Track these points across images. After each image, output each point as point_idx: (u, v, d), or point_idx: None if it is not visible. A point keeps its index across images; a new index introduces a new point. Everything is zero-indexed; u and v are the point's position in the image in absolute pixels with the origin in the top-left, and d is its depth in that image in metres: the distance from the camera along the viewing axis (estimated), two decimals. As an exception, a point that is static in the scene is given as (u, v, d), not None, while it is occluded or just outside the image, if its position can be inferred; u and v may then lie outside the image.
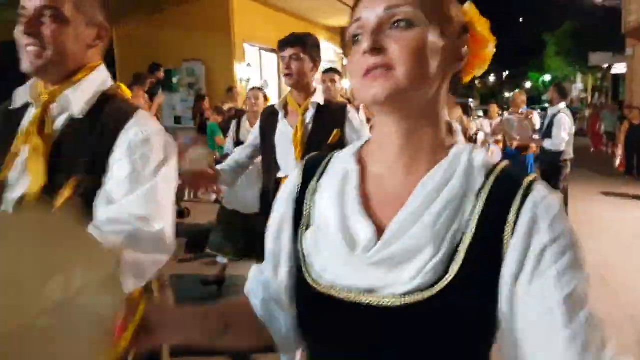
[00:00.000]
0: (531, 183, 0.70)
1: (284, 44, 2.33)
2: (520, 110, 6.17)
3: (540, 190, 0.70)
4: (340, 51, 15.28)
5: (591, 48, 24.37)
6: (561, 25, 29.54)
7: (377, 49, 0.67)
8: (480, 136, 9.16)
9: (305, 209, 0.81)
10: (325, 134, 2.31)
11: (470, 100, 56.26)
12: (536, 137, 5.53)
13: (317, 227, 0.77)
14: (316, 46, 2.38)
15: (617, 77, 26.05)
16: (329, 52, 14.83)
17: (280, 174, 2.40)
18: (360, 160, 0.79)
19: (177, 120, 8.70)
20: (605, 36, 22.58)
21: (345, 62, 15.50)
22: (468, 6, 0.80)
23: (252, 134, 2.74)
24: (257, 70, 10.39)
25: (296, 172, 0.86)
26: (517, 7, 72.04)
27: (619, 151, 10.16)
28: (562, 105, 5.26)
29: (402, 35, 0.68)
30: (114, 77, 6.73)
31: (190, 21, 9.14)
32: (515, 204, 0.68)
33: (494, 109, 8.54)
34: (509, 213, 0.67)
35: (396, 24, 0.68)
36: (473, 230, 0.67)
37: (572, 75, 31.79)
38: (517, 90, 7.05)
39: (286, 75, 2.33)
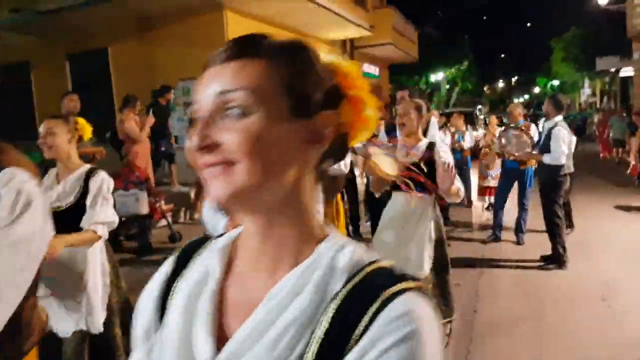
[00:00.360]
0: (392, 296, 0.55)
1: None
2: (518, 123, 6.00)
3: (400, 306, 0.54)
4: (341, 64, 15.21)
5: (598, 53, 24.11)
6: (567, 31, 29.37)
7: (208, 146, 0.57)
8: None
9: (166, 310, 0.68)
10: None
11: (479, 107, 55.46)
12: (534, 152, 5.35)
13: (161, 341, 0.65)
14: None
15: (625, 80, 25.69)
16: (330, 66, 14.74)
17: None
18: (231, 253, 0.68)
19: (175, 139, 8.62)
20: (611, 40, 22.38)
21: (346, 75, 15.40)
22: (340, 61, 0.66)
23: None
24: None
25: (170, 260, 0.73)
26: (526, 13, 72.09)
27: (632, 159, 9.91)
28: (559, 118, 5.09)
29: (236, 126, 0.57)
30: (111, 97, 8.42)
31: (185, 39, 9.11)
32: (363, 322, 0.54)
33: (493, 120, 8.32)
34: (353, 333, 0.54)
35: (230, 112, 0.57)
36: (314, 354, 0.54)
37: (579, 80, 31.47)
38: (514, 102, 6.85)
39: None
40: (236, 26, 9.19)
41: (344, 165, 3.53)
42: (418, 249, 3.16)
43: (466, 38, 33.05)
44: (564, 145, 4.93)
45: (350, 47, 16.65)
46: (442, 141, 6.34)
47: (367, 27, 13.95)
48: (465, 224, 7.64)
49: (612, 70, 26.47)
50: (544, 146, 5.09)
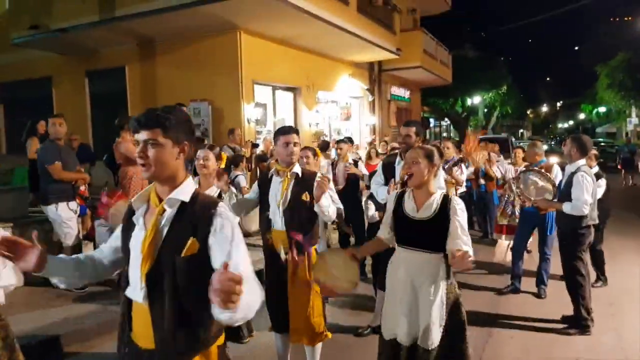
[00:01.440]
0: None
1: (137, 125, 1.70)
2: (537, 163, 5.35)
3: None
4: (367, 87, 14.76)
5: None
6: (615, 56, 28.01)
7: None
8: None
9: None
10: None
11: (521, 131, 53.35)
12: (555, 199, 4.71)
13: None
14: (182, 123, 1.75)
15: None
16: (355, 88, 14.35)
17: None
18: None
19: (183, 162, 8.35)
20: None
21: (370, 98, 14.96)
22: None
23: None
24: (270, 110, 10.02)
25: None
26: (572, 38, 69.91)
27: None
28: (582, 162, 4.45)
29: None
30: (127, 115, 7.08)
31: (199, 60, 8.93)
32: None
33: (519, 154, 7.63)
34: None
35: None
36: None
37: (626, 108, 29.86)
38: (533, 140, 6.15)
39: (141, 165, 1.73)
40: (251, 47, 8.93)
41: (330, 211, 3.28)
42: (426, 318, 2.72)
43: (504, 60, 31.93)
44: (587, 194, 4.28)
45: (378, 70, 16.24)
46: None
47: (394, 50, 13.49)
48: (483, 265, 6.97)
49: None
50: (565, 193, 4.45)
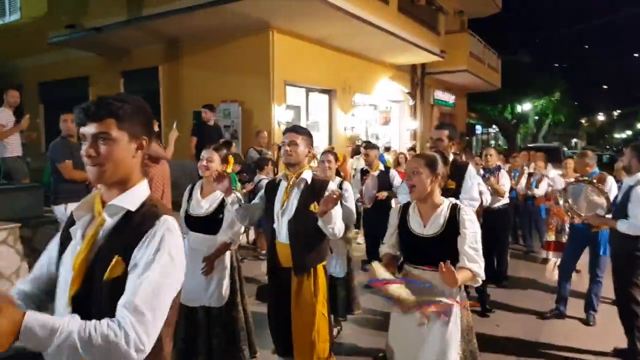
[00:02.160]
0: None
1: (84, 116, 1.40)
2: (589, 175, 4.73)
3: None
4: (407, 90, 14.20)
5: None
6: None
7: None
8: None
9: None
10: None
11: (574, 140, 50.95)
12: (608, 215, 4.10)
13: None
14: (138, 114, 1.45)
15: None
16: (395, 92, 13.85)
17: None
18: None
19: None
20: None
21: (411, 102, 14.39)
22: None
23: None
24: (304, 112, 9.71)
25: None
26: (632, 41, 66.31)
27: None
28: (643, 174, 3.84)
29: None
30: (158, 115, 8.25)
31: (230, 60, 8.72)
32: None
33: (570, 165, 6.94)
34: None
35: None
36: None
37: (693, 117, 27.73)
38: (582, 151, 5.37)
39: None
40: (283, 48, 8.64)
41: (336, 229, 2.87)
42: (437, 346, 2.38)
43: (557, 66, 30.47)
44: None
45: (421, 73, 15.65)
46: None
47: (438, 53, 12.90)
48: (527, 283, 6.35)
49: None
50: (621, 209, 3.84)
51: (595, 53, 61.55)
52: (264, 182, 6.71)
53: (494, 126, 33.44)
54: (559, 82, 30.04)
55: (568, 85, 32.44)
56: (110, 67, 10.46)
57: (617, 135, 68.42)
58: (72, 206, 4.70)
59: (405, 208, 2.58)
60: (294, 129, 3.08)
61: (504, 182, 6.13)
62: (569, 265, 5.09)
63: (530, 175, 8.29)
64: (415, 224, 2.48)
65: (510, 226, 7.36)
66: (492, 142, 35.85)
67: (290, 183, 2.99)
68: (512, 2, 27.44)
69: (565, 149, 22.24)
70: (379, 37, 10.03)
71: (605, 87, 61.85)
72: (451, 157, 3.76)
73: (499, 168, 6.38)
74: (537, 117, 33.47)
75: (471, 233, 2.37)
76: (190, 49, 9.28)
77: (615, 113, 65.63)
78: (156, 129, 6.15)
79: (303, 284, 2.94)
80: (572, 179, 4.81)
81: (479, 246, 2.38)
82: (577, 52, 55.53)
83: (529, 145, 22.18)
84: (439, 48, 13.03)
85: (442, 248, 2.38)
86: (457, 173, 3.80)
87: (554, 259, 7.16)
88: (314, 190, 2.94)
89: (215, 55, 8.90)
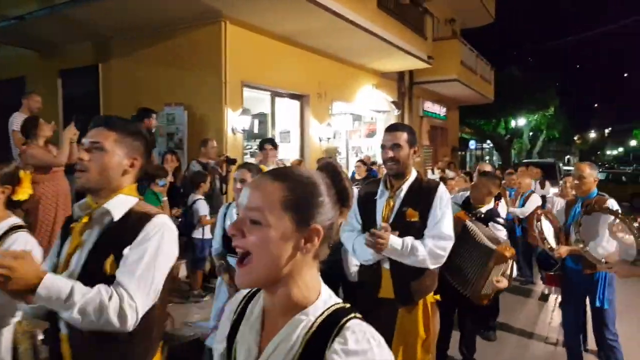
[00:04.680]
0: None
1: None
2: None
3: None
4: (392, 99, 12.91)
5: None
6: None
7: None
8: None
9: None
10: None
11: (568, 157, 50.56)
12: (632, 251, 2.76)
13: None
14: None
15: None
16: (381, 101, 12.57)
17: None
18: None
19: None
20: None
21: (396, 112, 13.12)
22: None
23: None
24: (269, 119, 8.36)
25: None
26: (623, 61, 66.29)
27: None
28: None
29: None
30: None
31: (175, 57, 7.39)
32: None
33: (569, 183, 5.77)
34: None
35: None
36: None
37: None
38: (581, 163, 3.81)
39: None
40: (239, 42, 7.30)
41: None
42: None
43: (552, 82, 29.60)
44: None
45: (409, 82, 14.42)
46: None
47: (425, 58, 11.67)
48: (521, 334, 5.03)
49: None
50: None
51: (588, 72, 61.27)
52: (200, 204, 5.40)
53: (488, 141, 32.42)
54: (553, 97, 29.09)
55: (562, 102, 31.60)
56: (47, 66, 9.09)
57: (609, 152, 68.35)
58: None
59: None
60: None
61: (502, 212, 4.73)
62: (573, 321, 3.72)
63: (517, 195, 7.12)
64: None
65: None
66: (487, 157, 34.83)
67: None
68: (507, 14, 26.53)
69: (561, 164, 21.08)
70: (357, 36, 8.77)
71: (596, 105, 61.73)
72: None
73: (499, 196, 5.02)
74: (531, 133, 32.48)
75: None
76: (131, 45, 7.93)
77: (607, 130, 65.46)
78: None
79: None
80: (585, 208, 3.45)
81: None
82: (570, 70, 55.22)
83: (523, 161, 21.03)
84: (426, 53, 11.81)
85: None
86: (422, 198, 2.49)
87: (555, 295, 5.92)
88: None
89: (159, 51, 7.56)
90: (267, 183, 0.97)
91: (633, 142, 52.25)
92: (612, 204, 3.38)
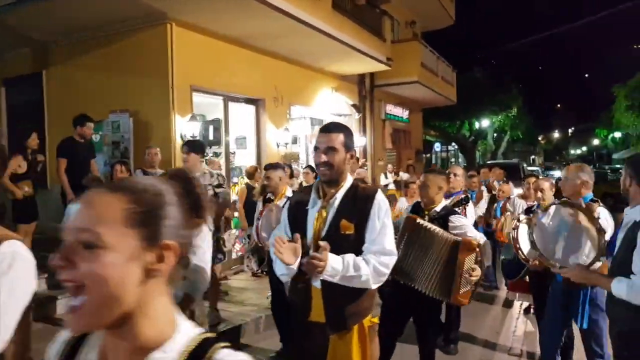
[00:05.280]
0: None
1: None
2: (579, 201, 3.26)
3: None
4: (352, 102, 12.81)
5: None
6: (632, 78, 25.98)
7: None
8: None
9: None
10: None
11: (532, 157, 51.61)
12: (598, 263, 2.64)
13: None
14: None
15: None
16: (341, 105, 12.46)
17: None
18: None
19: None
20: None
21: (356, 115, 13.04)
22: None
23: None
24: (222, 125, 8.10)
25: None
26: (586, 61, 68.53)
27: None
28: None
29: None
30: (42, 124, 7.82)
31: (120, 61, 7.06)
32: None
33: (532, 184, 5.62)
34: None
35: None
36: None
37: (647, 132, 27.61)
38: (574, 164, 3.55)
39: None
40: (187, 45, 7.02)
41: None
42: None
43: (514, 82, 30.20)
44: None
45: (370, 85, 14.36)
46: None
47: (384, 60, 11.62)
48: (485, 345, 4.89)
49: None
50: (621, 260, 2.41)
51: (550, 74, 63.13)
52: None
53: (453, 144, 32.76)
54: (516, 97, 29.67)
55: (525, 103, 32.23)
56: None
57: (572, 152, 70.18)
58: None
59: None
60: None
61: (469, 219, 4.49)
62: (549, 345, 3.45)
63: (493, 199, 6.98)
64: None
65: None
66: (452, 159, 35.20)
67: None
68: (467, 17, 26.98)
69: (525, 165, 21.42)
70: (312, 38, 8.62)
71: (559, 105, 63.47)
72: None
73: (467, 200, 4.78)
74: (495, 134, 32.99)
75: None
76: (74, 50, 7.56)
77: (570, 130, 67.22)
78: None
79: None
80: (540, 211, 3.30)
81: None
82: (532, 72, 56.72)
83: (487, 162, 21.28)
84: (385, 55, 11.76)
85: None
86: (358, 208, 2.27)
87: (520, 301, 5.81)
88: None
89: (103, 55, 7.21)
90: (103, 197, 0.80)
91: (596, 141, 53.77)
92: (603, 213, 3.19)
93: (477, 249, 3.02)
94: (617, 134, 38.21)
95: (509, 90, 28.47)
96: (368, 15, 10.93)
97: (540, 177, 5.52)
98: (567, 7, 63.76)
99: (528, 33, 55.85)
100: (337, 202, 2.27)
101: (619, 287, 2.29)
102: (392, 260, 2.24)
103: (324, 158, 2.22)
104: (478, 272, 3.06)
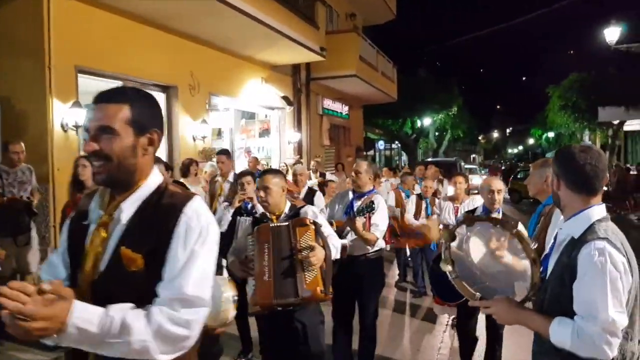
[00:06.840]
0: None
1: None
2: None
3: None
4: (282, 94, 11.96)
5: (601, 102, 21.33)
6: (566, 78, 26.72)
7: None
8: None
9: None
10: None
11: (473, 155, 52.90)
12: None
13: None
14: None
15: (634, 135, 22.91)
16: (274, 97, 11.61)
17: None
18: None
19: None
20: (617, 89, 19.61)
21: (288, 109, 12.24)
22: None
23: None
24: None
25: None
26: (522, 62, 71.19)
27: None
28: (600, 211, 1.72)
29: None
30: None
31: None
32: None
33: (460, 183, 5.04)
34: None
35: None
36: None
37: (578, 131, 28.49)
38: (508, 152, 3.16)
39: None
40: (71, 17, 5.94)
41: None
42: None
43: (455, 81, 30.47)
44: (614, 302, 1.58)
45: (306, 77, 13.59)
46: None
47: (317, 50, 10.87)
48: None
49: (616, 122, 23.58)
50: (553, 293, 1.72)
51: (489, 77, 65.09)
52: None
53: (396, 142, 32.69)
54: (457, 96, 29.92)
55: (465, 103, 32.65)
56: None
57: (510, 151, 73.14)
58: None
59: None
60: None
61: (379, 221, 3.78)
62: None
63: (420, 198, 6.37)
64: None
65: (383, 275, 5.23)
66: (396, 158, 35.17)
67: None
68: (408, 12, 26.84)
69: (463, 163, 21.41)
70: (235, 21, 7.75)
71: (498, 107, 65.73)
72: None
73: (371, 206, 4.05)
74: (437, 133, 33.21)
75: None
76: None
77: (508, 130, 69.86)
78: None
79: None
80: (462, 220, 2.54)
81: None
82: (473, 73, 58.20)
83: (425, 160, 21.11)
84: (319, 45, 11.02)
85: None
86: (155, 228, 1.37)
87: (446, 315, 5.16)
88: None
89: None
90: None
91: (531, 141, 56.05)
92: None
93: (313, 226, 2.68)
94: (551, 134, 39.59)
95: (449, 89, 28.61)
96: (300, 0, 10.15)
97: (467, 175, 4.95)
98: (507, 7, 65.77)
99: (470, 31, 57.24)
100: (124, 217, 1.42)
101: (561, 334, 1.58)
102: (196, 314, 1.28)
103: (94, 146, 1.35)
104: (320, 253, 2.59)
